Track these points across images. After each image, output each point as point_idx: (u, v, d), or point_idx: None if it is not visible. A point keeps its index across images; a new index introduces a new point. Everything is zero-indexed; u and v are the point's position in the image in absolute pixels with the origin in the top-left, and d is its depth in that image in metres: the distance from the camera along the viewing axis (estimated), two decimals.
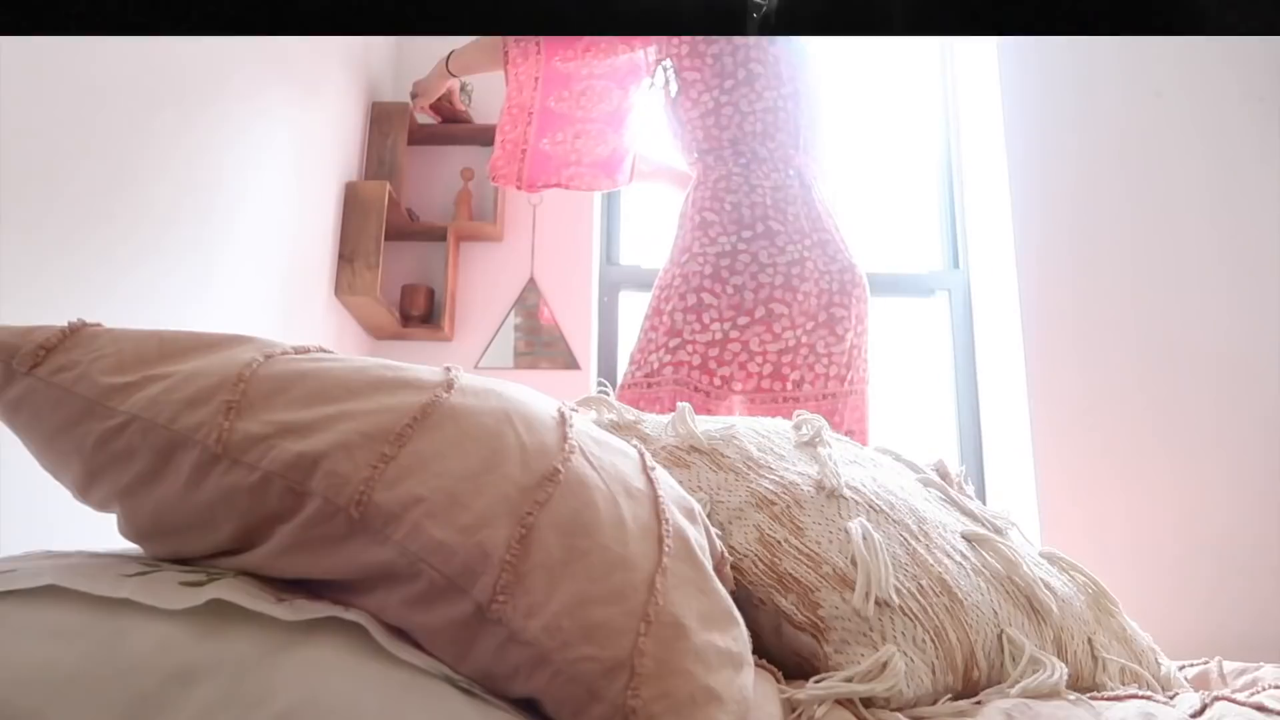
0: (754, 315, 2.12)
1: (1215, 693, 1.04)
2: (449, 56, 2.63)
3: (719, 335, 2.12)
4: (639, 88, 2.50)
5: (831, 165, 2.44)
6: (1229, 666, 1.46)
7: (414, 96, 2.81)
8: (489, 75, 2.62)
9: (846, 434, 2.11)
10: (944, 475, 1.45)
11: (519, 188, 2.58)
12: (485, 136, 3.62)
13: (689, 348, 2.12)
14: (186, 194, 2.15)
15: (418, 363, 0.89)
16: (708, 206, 2.22)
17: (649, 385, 2.13)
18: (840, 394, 2.20)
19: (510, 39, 2.41)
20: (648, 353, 2.17)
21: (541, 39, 2.37)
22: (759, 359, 2.14)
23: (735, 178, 2.23)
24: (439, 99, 2.83)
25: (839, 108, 2.52)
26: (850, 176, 3.60)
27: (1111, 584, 1.43)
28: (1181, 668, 1.47)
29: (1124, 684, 1.15)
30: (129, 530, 0.76)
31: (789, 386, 2.16)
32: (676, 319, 2.15)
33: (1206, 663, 1.50)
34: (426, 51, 3.74)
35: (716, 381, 2.11)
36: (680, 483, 1.16)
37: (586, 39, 2.34)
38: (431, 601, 0.66)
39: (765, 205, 2.19)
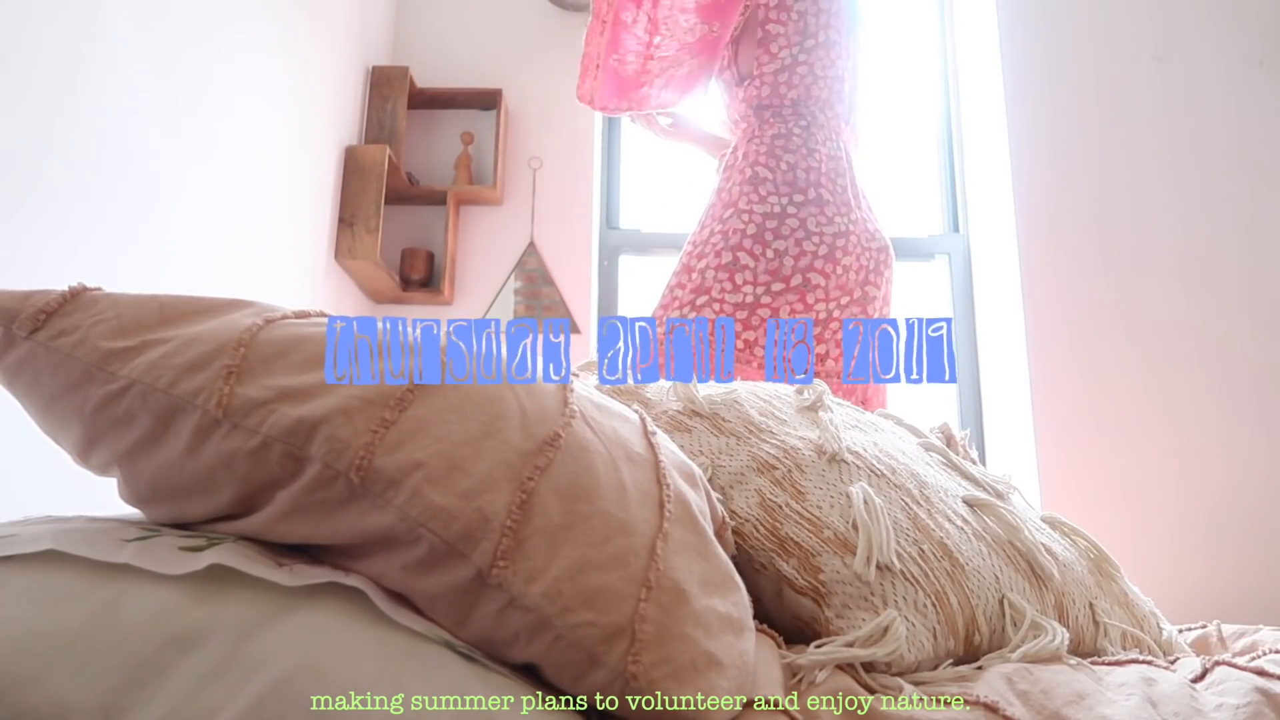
0: (790, 283, 2.05)
1: (1216, 657, 1.03)
2: None
3: (750, 299, 2.05)
4: (728, 25, 2.25)
5: (868, 146, 2.38)
6: (1228, 629, 1.46)
7: None
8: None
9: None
10: (949, 439, 1.45)
11: (590, 105, 2.38)
12: (485, 100, 3.60)
13: (715, 306, 2.06)
14: (186, 159, 2.14)
15: None
16: (762, 162, 2.15)
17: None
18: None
19: None
20: (670, 310, 2.11)
21: None
22: None
23: (795, 138, 2.16)
24: None
25: (881, 94, 2.44)
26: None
27: (1111, 547, 1.43)
28: (1181, 631, 1.47)
29: (1125, 649, 1.16)
30: (129, 495, 0.76)
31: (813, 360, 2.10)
32: (708, 276, 2.08)
33: (1205, 626, 1.50)
34: (424, 15, 3.73)
35: (740, 345, 2.06)
36: (681, 447, 1.16)
37: None
38: (432, 567, 0.65)
39: (820, 171, 2.13)
